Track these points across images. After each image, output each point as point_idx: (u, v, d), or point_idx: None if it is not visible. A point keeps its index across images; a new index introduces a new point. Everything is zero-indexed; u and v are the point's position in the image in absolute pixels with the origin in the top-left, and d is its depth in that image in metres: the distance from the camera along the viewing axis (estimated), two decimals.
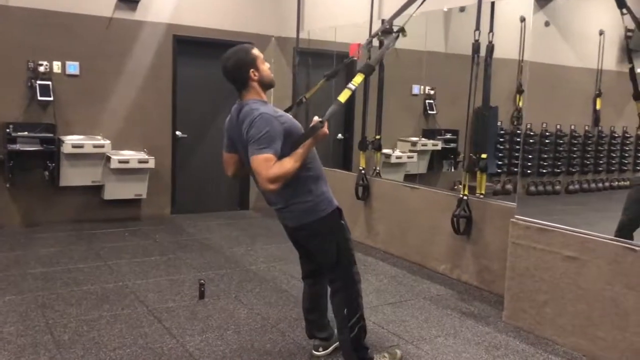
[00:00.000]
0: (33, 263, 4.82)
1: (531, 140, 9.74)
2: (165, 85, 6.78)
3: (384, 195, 5.66)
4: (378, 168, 5.95)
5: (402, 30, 3.43)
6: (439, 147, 8.01)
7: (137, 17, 6.52)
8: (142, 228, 6.26)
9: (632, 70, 4.13)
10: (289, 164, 2.64)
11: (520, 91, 9.53)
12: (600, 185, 10.43)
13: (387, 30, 3.91)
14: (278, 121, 2.68)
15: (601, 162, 10.50)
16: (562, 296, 3.53)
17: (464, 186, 4.65)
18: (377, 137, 5.91)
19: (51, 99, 6.03)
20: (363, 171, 5.80)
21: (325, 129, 2.70)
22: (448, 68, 7.58)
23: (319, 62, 7.06)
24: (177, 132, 6.93)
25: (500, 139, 9.46)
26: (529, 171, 9.23)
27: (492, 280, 4.50)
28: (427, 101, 8.24)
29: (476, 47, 4.62)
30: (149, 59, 6.63)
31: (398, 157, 7.07)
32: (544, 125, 9.44)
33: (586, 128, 10.40)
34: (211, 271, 4.80)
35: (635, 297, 3.16)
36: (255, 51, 2.83)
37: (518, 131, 9.48)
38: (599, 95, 10.46)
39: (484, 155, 4.72)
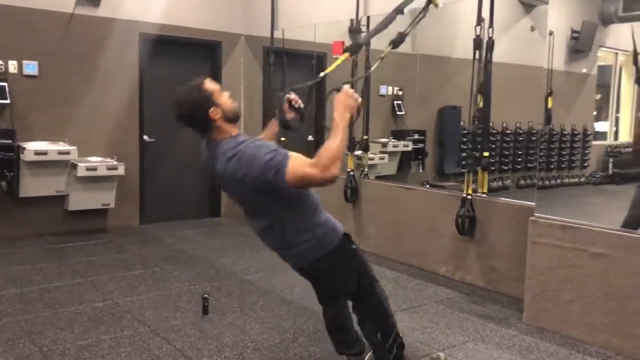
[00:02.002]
0: (3, 283, 4.33)
1: (493, 138, 9.89)
2: (132, 86, 6.35)
3: (375, 197, 5.49)
4: (366, 169, 5.78)
5: (400, 11, 3.14)
6: (409, 148, 7.96)
7: (101, 14, 6.06)
8: (112, 240, 5.81)
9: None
10: (332, 143, 2.26)
11: (481, 91, 9.64)
12: (553, 182, 10.70)
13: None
14: (261, 142, 2.40)
15: (553, 159, 10.80)
16: (590, 294, 3.47)
17: (468, 186, 4.55)
18: (365, 137, 5.75)
19: (7, 101, 5.51)
20: (352, 173, 5.61)
21: (346, 89, 2.39)
22: (415, 69, 7.53)
23: (295, 62, 6.82)
24: (145, 137, 6.50)
25: (464, 139, 9.56)
26: (492, 168, 9.33)
27: (499, 280, 4.42)
28: (395, 102, 8.17)
29: (477, 42, 4.50)
30: (114, 59, 6.18)
31: (370, 159, 6.95)
32: (504, 124, 9.62)
33: (539, 126, 10.67)
34: (206, 284, 4.47)
35: None
36: (209, 85, 2.43)
37: (479, 131, 9.62)
38: (550, 94, 10.77)
39: (486, 154, 4.62)
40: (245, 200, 2.49)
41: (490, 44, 4.56)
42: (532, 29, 9.68)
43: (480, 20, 4.59)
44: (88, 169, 5.68)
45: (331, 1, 6.00)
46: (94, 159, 5.90)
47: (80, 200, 5.88)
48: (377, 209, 5.46)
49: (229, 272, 4.79)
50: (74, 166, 5.67)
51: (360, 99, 2.45)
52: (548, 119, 10.90)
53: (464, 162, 9.45)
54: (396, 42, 2.99)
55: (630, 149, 11.26)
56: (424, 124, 8.46)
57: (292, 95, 2.62)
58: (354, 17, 5.70)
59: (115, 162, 5.89)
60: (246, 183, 2.32)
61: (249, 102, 7.21)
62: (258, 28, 6.91)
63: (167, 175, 6.78)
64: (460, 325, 3.76)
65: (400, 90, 8.13)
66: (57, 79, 5.85)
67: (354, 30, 7.40)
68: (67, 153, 5.63)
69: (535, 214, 3.79)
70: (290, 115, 2.63)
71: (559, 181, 10.77)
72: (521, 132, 9.99)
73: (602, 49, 11.28)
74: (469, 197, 4.52)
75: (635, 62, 4.87)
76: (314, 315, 3.83)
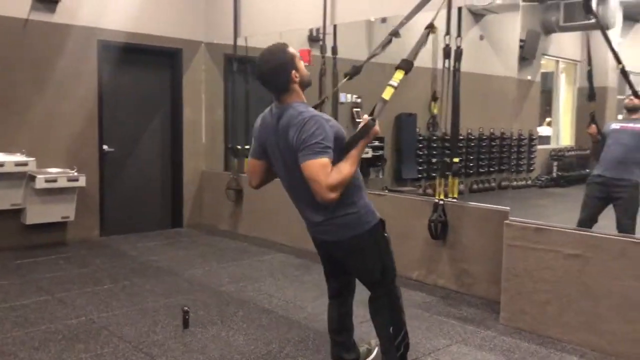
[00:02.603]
0: None
1: (447, 144, 10.14)
2: (90, 94, 6.16)
3: None
4: None
5: (431, 26, 3.30)
6: (369, 155, 8.06)
7: (57, 20, 5.86)
8: (74, 253, 5.60)
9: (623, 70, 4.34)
10: (346, 168, 2.42)
11: (434, 98, 9.91)
12: (502, 184, 11.03)
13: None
14: (328, 124, 2.46)
15: (504, 163, 11.12)
16: (565, 294, 3.60)
17: (440, 191, 4.64)
18: None
19: None
20: None
21: (377, 128, 2.53)
22: (372, 77, 7.66)
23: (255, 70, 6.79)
24: (105, 146, 6.30)
25: (420, 145, 9.76)
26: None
27: (472, 283, 4.53)
28: (354, 109, 8.27)
29: (447, 51, 4.60)
30: (72, 66, 5.98)
31: None
32: (469, 130, 9.89)
33: (502, 131, 11.00)
34: (180, 296, 4.37)
35: None
36: (292, 49, 2.59)
37: (434, 137, 9.86)
38: (519, 101, 11.07)
39: (456, 160, 4.73)
40: (295, 166, 2.49)
41: (458, 53, 4.65)
42: (481, 37, 10.00)
43: (449, 30, 4.64)
44: (47, 181, 5.46)
45: (294, 9, 6.00)
46: (54, 170, 5.68)
47: (39, 213, 5.64)
48: None
49: (202, 284, 4.70)
50: (32, 178, 5.45)
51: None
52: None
53: (435, 168, 9.70)
54: (351, 75, 3.16)
55: (572, 153, 11.77)
56: (382, 130, 8.55)
57: None
58: (320, 25, 5.73)
59: (76, 174, 5.69)
60: (293, 147, 2.45)
61: (210, 110, 7.13)
62: (219, 35, 6.85)
63: (128, 185, 6.60)
64: (441, 329, 3.82)
65: (358, 97, 8.23)
66: (11, 87, 5.61)
67: (313, 38, 7.48)
68: (25, 164, 5.41)
69: (510, 218, 3.91)
70: None
71: (507, 183, 11.18)
72: (472, 137, 10.30)
73: (545, 56, 11.81)
74: (441, 202, 4.61)
75: (589, 78, 5.10)
76: (297, 325, 3.82)
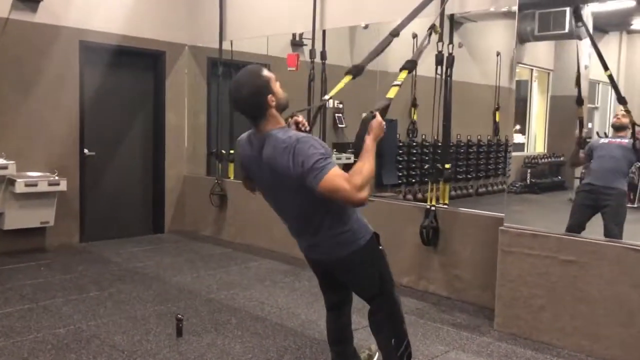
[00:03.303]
0: None
1: (427, 150, 10.21)
2: (72, 97, 6.00)
3: None
4: None
5: (433, 27, 3.32)
6: (351, 161, 8.05)
7: (39, 20, 5.70)
8: (55, 260, 5.44)
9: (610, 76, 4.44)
10: (364, 166, 2.30)
11: (414, 105, 9.97)
12: (480, 190, 11.18)
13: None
14: (315, 140, 2.36)
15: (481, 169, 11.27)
16: (560, 299, 3.63)
17: (432, 197, 4.66)
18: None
19: None
20: None
21: (379, 118, 2.46)
22: (354, 82, 7.68)
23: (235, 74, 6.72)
24: (86, 150, 6.15)
25: (399, 151, 9.80)
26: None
27: (463, 289, 4.54)
28: (336, 115, 8.26)
29: (439, 58, 4.62)
30: (53, 67, 5.83)
31: None
32: (435, 137, 9.95)
33: (488, 138, 11.13)
34: (169, 304, 4.27)
35: None
36: (266, 72, 2.44)
37: (414, 143, 9.92)
38: (497, 109, 11.28)
39: (447, 166, 4.75)
40: (287, 192, 2.44)
41: (451, 60, 4.68)
42: (460, 45, 10.10)
43: (442, 37, 4.66)
44: (27, 185, 5.30)
45: (280, 14, 5.96)
46: (34, 174, 5.51)
47: (17, 218, 5.47)
48: None
49: (191, 291, 4.61)
50: (11, 182, 5.28)
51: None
52: (496, 131, 11.41)
53: (414, 174, 9.70)
54: (354, 74, 3.11)
55: (545, 160, 11.99)
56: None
57: (300, 118, 2.62)
58: (305, 30, 5.72)
59: (56, 178, 5.53)
60: (291, 175, 2.33)
61: (193, 114, 7.04)
62: (203, 38, 6.76)
63: (109, 190, 6.45)
64: (437, 335, 3.82)
65: (340, 103, 8.23)
66: None
67: (296, 43, 7.46)
68: (5, 168, 5.24)
69: (505, 224, 3.93)
70: None
71: (483, 189, 11.30)
72: (451, 144, 10.38)
73: (520, 65, 12.00)
74: (433, 208, 4.62)
75: (577, 82, 5.20)
76: (292, 332, 3.77)
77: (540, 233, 3.74)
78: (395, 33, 3.36)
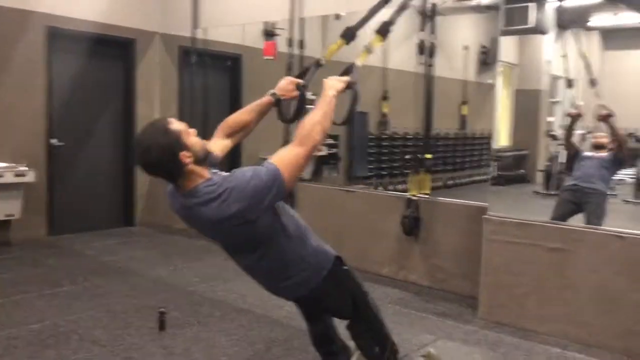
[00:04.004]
0: None
1: (397, 143, 10.27)
2: (38, 85, 5.76)
3: (314, 201, 5.41)
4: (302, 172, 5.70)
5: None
6: (324, 153, 8.01)
7: (4, 3, 5.44)
8: (22, 254, 5.22)
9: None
10: (311, 115, 2.10)
11: (385, 98, 9.99)
12: (466, 180, 11.37)
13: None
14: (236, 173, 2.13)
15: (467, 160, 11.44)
16: (545, 287, 3.67)
17: (413, 186, 4.64)
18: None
19: None
20: None
21: (334, 77, 2.32)
22: (325, 74, 7.62)
23: (209, 63, 6.58)
24: (53, 140, 5.92)
25: (370, 143, 9.81)
26: (407, 171, 9.70)
27: (444, 279, 4.55)
28: (308, 107, 8.19)
29: (421, 47, 4.60)
30: (19, 54, 5.58)
31: None
32: (406, 130, 10.00)
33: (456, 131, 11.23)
34: (148, 297, 4.15)
35: (624, 282, 3.38)
36: (174, 125, 2.07)
37: (384, 136, 9.95)
38: (464, 102, 11.41)
39: (428, 155, 4.74)
40: (236, 239, 2.20)
41: (432, 50, 4.67)
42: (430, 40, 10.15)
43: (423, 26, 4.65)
44: None
45: (255, 1, 5.84)
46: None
47: None
48: (316, 214, 5.37)
49: (170, 284, 4.49)
50: None
51: (347, 79, 2.36)
52: (463, 124, 11.59)
53: (385, 166, 9.66)
54: (348, 39, 2.97)
55: (510, 153, 12.22)
56: (336, 128, 8.54)
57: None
58: (281, 18, 5.63)
59: (25, 168, 5.31)
60: (238, 218, 2.05)
61: (164, 104, 6.85)
62: (175, 26, 6.59)
63: (78, 182, 6.23)
64: (423, 324, 3.81)
65: (313, 95, 8.14)
66: None
67: (268, 32, 7.34)
68: None
69: (489, 213, 3.95)
70: (292, 93, 2.57)
71: (452, 182, 11.44)
72: (420, 137, 10.45)
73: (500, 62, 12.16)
74: (415, 198, 4.60)
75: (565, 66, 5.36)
76: (278, 324, 3.71)
77: (525, 221, 3.76)
78: (404, 6, 3.29)
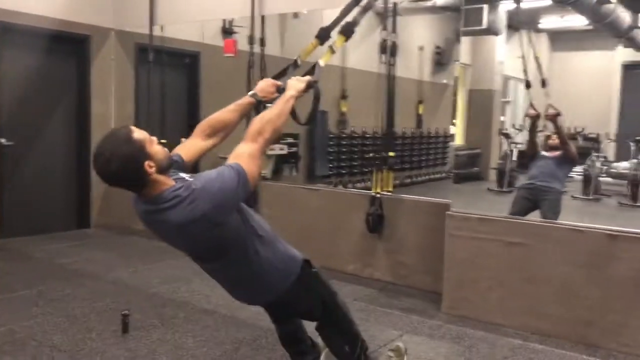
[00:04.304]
0: None
1: (355, 142, 10.35)
2: None
3: (278, 200, 5.37)
4: (265, 171, 5.66)
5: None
6: (284, 152, 7.99)
7: None
8: None
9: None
10: (266, 112, 2.16)
11: (344, 97, 10.04)
12: (423, 178, 11.55)
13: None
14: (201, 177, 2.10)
15: (423, 158, 11.62)
16: (507, 280, 3.75)
17: (377, 184, 4.67)
18: None
19: None
20: None
21: (296, 77, 2.37)
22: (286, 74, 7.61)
23: (165, 60, 6.46)
24: (2, 140, 5.68)
25: (330, 142, 9.84)
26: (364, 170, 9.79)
27: (407, 275, 4.60)
28: (267, 105, 8.14)
29: (383, 46, 4.64)
30: None
31: None
32: (363, 129, 10.07)
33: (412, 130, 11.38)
34: (108, 300, 4.03)
35: (583, 275, 3.49)
36: (137, 134, 2.00)
37: (343, 135, 10.00)
38: (420, 102, 11.58)
39: (391, 153, 4.78)
40: (202, 244, 2.16)
41: (394, 48, 4.72)
42: (387, 39, 10.29)
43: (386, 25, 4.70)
44: None
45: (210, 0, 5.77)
46: None
47: None
48: (280, 212, 5.34)
49: (130, 286, 4.38)
50: None
51: (308, 78, 2.39)
52: (419, 123, 11.78)
53: (344, 165, 9.74)
54: (322, 39, 2.97)
55: (465, 152, 12.48)
56: (296, 127, 8.53)
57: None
58: (241, 15, 5.57)
59: None
60: (206, 220, 2.02)
61: (120, 102, 6.68)
62: (131, 23, 6.43)
63: (29, 183, 5.99)
64: (389, 320, 3.84)
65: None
66: None
67: (226, 30, 7.27)
68: None
69: (452, 209, 4.01)
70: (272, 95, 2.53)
71: (426, 177, 11.61)
72: (377, 136, 10.59)
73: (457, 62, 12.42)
74: (378, 195, 4.63)
75: (524, 71, 5.51)
76: (244, 324, 3.67)
77: (487, 217, 3.84)
78: (367, 7, 3.31)
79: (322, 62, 2.57)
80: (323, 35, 2.85)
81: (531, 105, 5.34)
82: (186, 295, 4.21)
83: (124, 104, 6.69)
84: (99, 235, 6.18)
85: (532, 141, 5.38)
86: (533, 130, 5.47)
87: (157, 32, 6.18)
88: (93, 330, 3.47)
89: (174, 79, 6.86)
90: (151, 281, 4.53)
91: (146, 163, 1.96)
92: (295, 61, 2.78)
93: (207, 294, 4.22)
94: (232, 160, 2.07)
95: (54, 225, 6.20)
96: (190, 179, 2.09)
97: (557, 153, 5.08)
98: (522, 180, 6.10)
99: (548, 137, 5.24)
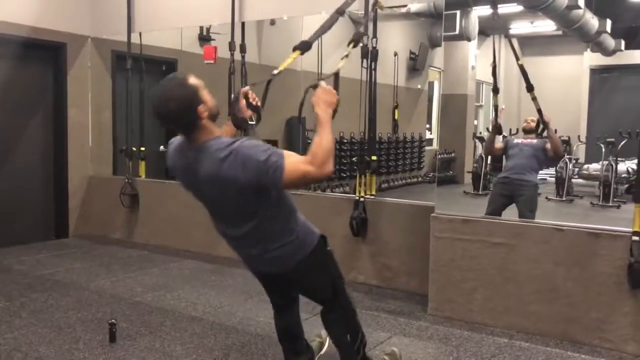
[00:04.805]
0: None
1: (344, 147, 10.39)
2: None
3: None
4: None
5: (342, 13, 3.31)
6: None
7: None
8: None
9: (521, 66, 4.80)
10: (322, 139, 2.16)
11: None
12: (400, 182, 11.63)
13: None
14: (255, 141, 2.23)
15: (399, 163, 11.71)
16: (491, 281, 3.82)
17: (360, 188, 4.71)
18: None
19: None
20: None
21: (324, 85, 2.32)
22: (262, 78, 7.62)
23: (151, 69, 6.43)
24: None
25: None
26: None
27: (392, 277, 4.64)
28: (251, 123, 8.14)
29: (365, 52, 4.70)
30: None
31: None
32: (341, 134, 10.13)
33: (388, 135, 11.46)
34: (93, 310, 3.98)
35: (564, 272, 3.57)
36: (193, 80, 2.22)
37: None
38: (396, 107, 11.68)
39: (374, 157, 4.83)
40: (230, 204, 2.30)
41: (374, 54, 4.78)
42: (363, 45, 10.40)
43: (367, 30, 4.75)
44: None
45: (193, 5, 5.74)
46: None
47: None
48: None
49: (114, 295, 4.33)
50: None
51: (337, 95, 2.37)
52: (395, 128, 11.83)
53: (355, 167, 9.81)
54: (302, 49, 3.00)
55: (440, 156, 12.60)
56: (275, 133, 8.57)
57: (248, 89, 2.51)
58: (220, 22, 5.58)
59: None
60: (237, 184, 2.17)
61: (97, 111, 6.61)
62: (108, 30, 6.38)
63: (5, 193, 5.88)
64: (377, 323, 3.87)
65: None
66: None
67: (203, 37, 7.25)
68: None
69: (436, 211, 4.07)
70: (247, 113, 2.53)
71: (403, 181, 11.71)
72: (355, 141, 10.67)
73: (431, 68, 12.60)
74: (362, 199, 4.67)
75: (493, 73, 5.50)
76: (233, 330, 3.66)
77: (471, 218, 3.91)
78: (340, 11, 3.36)
79: (340, 70, 2.61)
80: (302, 47, 2.87)
81: (495, 116, 5.14)
82: (172, 302, 4.18)
83: (101, 112, 6.61)
84: (78, 245, 6.08)
85: (490, 150, 5.46)
86: (491, 141, 5.39)
87: (135, 39, 6.15)
88: (80, 340, 3.42)
89: (152, 86, 6.80)
90: (135, 289, 4.48)
91: (200, 107, 2.17)
92: (275, 75, 2.80)
93: (194, 301, 4.20)
94: (287, 159, 2.12)
95: (31, 236, 6.10)
96: (235, 139, 2.22)
97: (532, 139, 4.89)
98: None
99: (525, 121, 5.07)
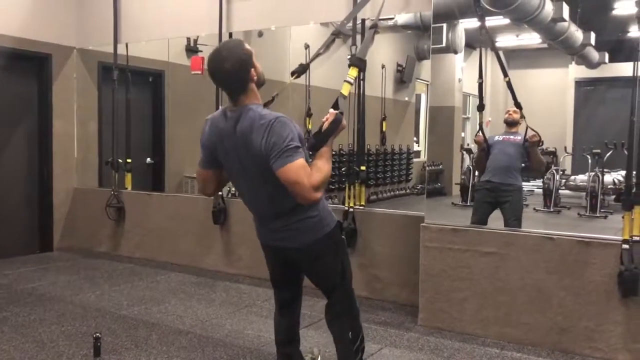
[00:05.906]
0: None
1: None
2: None
3: (246, 216, 5.31)
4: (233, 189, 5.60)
5: (376, 26, 3.40)
6: None
7: None
8: None
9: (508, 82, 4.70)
10: (325, 165, 2.32)
11: (309, 114, 10.09)
12: (388, 194, 11.63)
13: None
14: (293, 124, 2.34)
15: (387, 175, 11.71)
16: (482, 290, 3.79)
17: (349, 198, 4.68)
18: None
19: None
20: (220, 193, 5.38)
21: (344, 121, 2.46)
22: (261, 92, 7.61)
23: (138, 80, 6.38)
24: None
25: None
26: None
27: (382, 288, 4.60)
28: None
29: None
30: None
31: None
32: (340, 146, 10.13)
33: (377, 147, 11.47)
34: (77, 324, 3.89)
35: (555, 281, 3.56)
36: (248, 46, 2.40)
37: (310, 153, 10.01)
38: (384, 119, 11.71)
39: (363, 168, 4.80)
40: (257, 171, 2.37)
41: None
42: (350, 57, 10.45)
43: (355, 41, 4.75)
44: None
45: (180, 16, 5.71)
46: None
47: None
48: (248, 228, 5.29)
49: (99, 309, 4.24)
50: None
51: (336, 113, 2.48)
52: (383, 140, 11.82)
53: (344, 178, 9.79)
54: (299, 72, 3.02)
55: (429, 168, 12.60)
56: None
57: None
58: (207, 33, 5.55)
59: None
60: (261, 153, 2.28)
61: (83, 122, 6.55)
62: (93, 41, 6.33)
63: None
64: (367, 334, 3.77)
65: None
66: None
67: (190, 49, 7.22)
68: None
69: (426, 221, 4.04)
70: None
71: (391, 193, 11.73)
72: (344, 152, 10.66)
73: (418, 80, 12.68)
74: (351, 209, 4.64)
75: (479, 90, 5.42)
76: (221, 343, 3.59)
77: (461, 228, 3.89)
78: (336, 33, 3.38)
79: (345, 93, 2.66)
80: (300, 71, 2.90)
81: (480, 128, 4.98)
82: (158, 316, 4.10)
83: (87, 123, 6.55)
84: (63, 259, 5.98)
85: (478, 164, 5.02)
86: (480, 151, 4.97)
87: (121, 50, 6.11)
88: (63, 354, 3.34)
89: (138, 97, 6.75)
90: (120, 303, 4.40)
91: (252, 70, 2.34)
92: (273, 98, 2.82)
93: (180, 315, 4.13)
94: (300, 158, 2.22)
95: (15, 249, 5.99)
96: (277, 113, 2.35)
97: (516, 135, 4.67)
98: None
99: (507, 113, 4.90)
